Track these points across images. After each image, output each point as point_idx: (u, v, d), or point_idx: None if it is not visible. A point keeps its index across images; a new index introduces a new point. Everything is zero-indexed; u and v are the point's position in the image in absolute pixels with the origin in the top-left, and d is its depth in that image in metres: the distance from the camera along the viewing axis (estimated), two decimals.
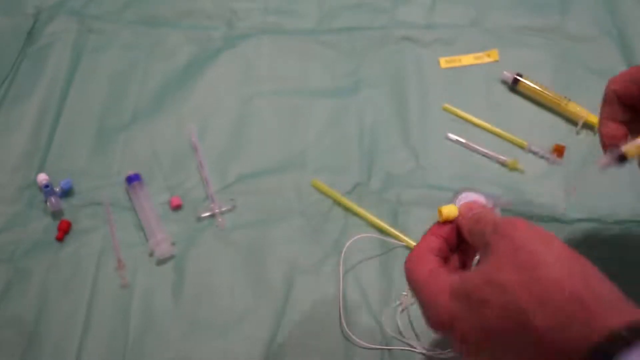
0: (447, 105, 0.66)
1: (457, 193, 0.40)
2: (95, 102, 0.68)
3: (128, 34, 0.73)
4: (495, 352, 0.31)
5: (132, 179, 0.60)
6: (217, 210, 0.59)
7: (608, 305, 0.27)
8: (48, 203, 0.59)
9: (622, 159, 0.42)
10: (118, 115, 0.66)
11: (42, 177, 0.60)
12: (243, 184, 0.62)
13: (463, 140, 0.64)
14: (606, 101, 0.45)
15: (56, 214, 0.60)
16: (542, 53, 0.69)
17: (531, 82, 0.66)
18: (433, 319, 0.34)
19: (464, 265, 0.39)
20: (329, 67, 0.70)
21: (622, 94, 0.43)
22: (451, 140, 0.64)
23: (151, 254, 0.57)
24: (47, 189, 0.60)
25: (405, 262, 0.37)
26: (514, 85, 0.67)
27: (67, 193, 0.61)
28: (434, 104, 0.66)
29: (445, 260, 0.38)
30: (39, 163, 0.63)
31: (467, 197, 0.40)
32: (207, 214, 0.59)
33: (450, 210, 0.38)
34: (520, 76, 0.66)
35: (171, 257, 0.57)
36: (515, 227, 0.32)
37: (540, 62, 0.68)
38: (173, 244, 0.58)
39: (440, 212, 0.38)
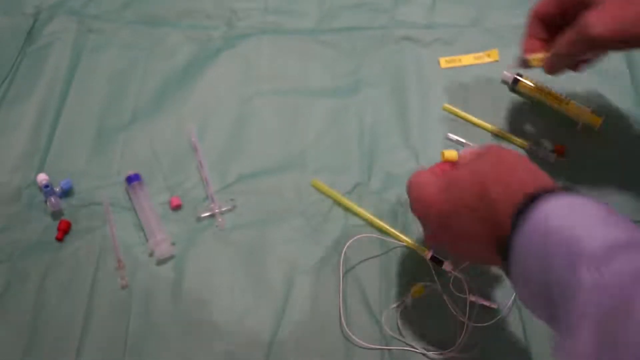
0: (447, 105, 0.66)
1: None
2: (95, 102, 0.68)
3: (128, 33, 0.73)
4: (459, 220, 0.41)
5: (132, 179, 0.60)
6: (217, 210, 0.59)
7: (543, 187, 0.37)
8: (48, 203, 0.59)
9: (527, 64, 0.54)
10: (118, 115, 0.66)
11: (42, 177, 0.60)
12: (243, 184, 0.62)
13: (463, 140, 0.63)
14: (529, 21, 0.54)
15: (56, 214, 0.59)
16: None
17: (531, 82, 0.66)
18: (415, 202, 0.46)
19: None
20: (329, 67, 0.70)
21: (541, 14, 0.53)
22: (451, 140, 0.64)
23: (151, 254, 0.57)
24: (47, 189, 0.60)
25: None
26: (514, 85, 0.67)
27: (67, 193, 0.61)
28: (434, 104, 0.66)
29: None
30: (38, 163, 0.63)
31: (469, 149, 0.48)
32: (207, 214, 0.59)
33: (450, 154, 0.49)
34: (520, 76, 0.66)
35: (171, 257, 0.57)
36: (496, 145, 0.44)
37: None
38: (173, 244, 0.58)
39: (442, 153, 0.49)
